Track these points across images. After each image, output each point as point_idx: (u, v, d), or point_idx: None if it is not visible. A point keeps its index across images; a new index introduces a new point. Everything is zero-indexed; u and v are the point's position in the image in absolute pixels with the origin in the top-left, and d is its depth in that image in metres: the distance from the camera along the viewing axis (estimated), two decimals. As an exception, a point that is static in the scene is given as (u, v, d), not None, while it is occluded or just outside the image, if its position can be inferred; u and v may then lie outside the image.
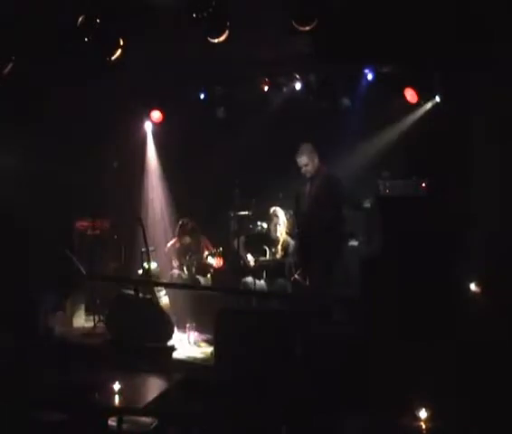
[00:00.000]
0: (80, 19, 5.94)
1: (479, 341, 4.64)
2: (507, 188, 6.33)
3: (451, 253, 5.57)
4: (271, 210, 7.93)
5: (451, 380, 4.22)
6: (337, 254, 6.99)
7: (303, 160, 7.10)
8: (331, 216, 6.87)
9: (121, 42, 6.25)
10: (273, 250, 7.87)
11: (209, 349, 6.60)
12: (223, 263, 8.12)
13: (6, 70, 6.38)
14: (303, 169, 7.13)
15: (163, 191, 9.46)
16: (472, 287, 5.86)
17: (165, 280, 8.31)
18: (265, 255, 7.89)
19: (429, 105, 7.94)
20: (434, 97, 7.86)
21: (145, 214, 9.02)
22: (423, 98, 7.90)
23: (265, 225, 7.98)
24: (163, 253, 8.58)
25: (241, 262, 7.86)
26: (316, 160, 7.12)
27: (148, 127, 9.48)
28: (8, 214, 7.29)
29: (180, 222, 8.48)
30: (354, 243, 7.75)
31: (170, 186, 9.41)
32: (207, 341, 6.94)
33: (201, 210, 8.77)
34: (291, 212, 7.84)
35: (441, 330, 4.80)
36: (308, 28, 5.72)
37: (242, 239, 7.92)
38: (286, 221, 7.89)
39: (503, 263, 5.75)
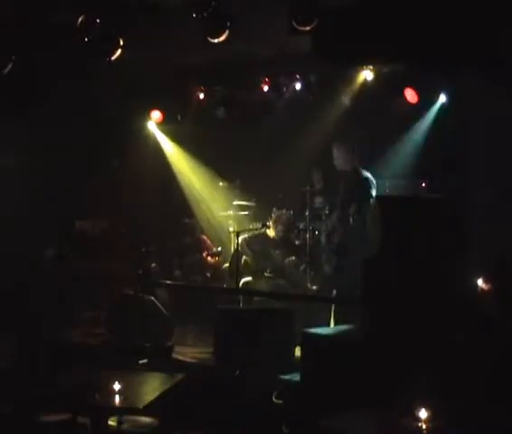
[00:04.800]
0: (80, 19, 5.94)
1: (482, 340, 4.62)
2: (506, 187, 6.35)
3: (452, 252, 5.51)
4: (272, 210, 7.92)
5: (451, 379, 4.22)
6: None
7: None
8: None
9: (121, 42, 6.26)
10: (273, 250, 7.86)
11: (209, 349, 6.60)
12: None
13: (6, 69, 6.38)
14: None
15: (164, 191, 9.48)
16: (480, 283, 5.44)
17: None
18: (265, 255, 7.88)
19: (436, 107, 7.92)
20: (438, 97, 7.85)
21: (145, 214, 9.03)
22: (425, 99, 7.89)
23: (265, 225, 7.97)
24: (163, 253, 8.58)
25: (241, 262, 7.85)
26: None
27: (152, 126, 9.50)
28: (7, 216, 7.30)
29: (183, 222, 8.51)
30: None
31: (170, 186, 9.42)
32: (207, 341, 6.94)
33: (201, 210, 8.77)
34: (291, 212, 7.83)
35: (443, 329, 4.78)
36: (308, 28, 5.71)
37: (242, 239, 7.91)
38: (286, 222, 7.87)
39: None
